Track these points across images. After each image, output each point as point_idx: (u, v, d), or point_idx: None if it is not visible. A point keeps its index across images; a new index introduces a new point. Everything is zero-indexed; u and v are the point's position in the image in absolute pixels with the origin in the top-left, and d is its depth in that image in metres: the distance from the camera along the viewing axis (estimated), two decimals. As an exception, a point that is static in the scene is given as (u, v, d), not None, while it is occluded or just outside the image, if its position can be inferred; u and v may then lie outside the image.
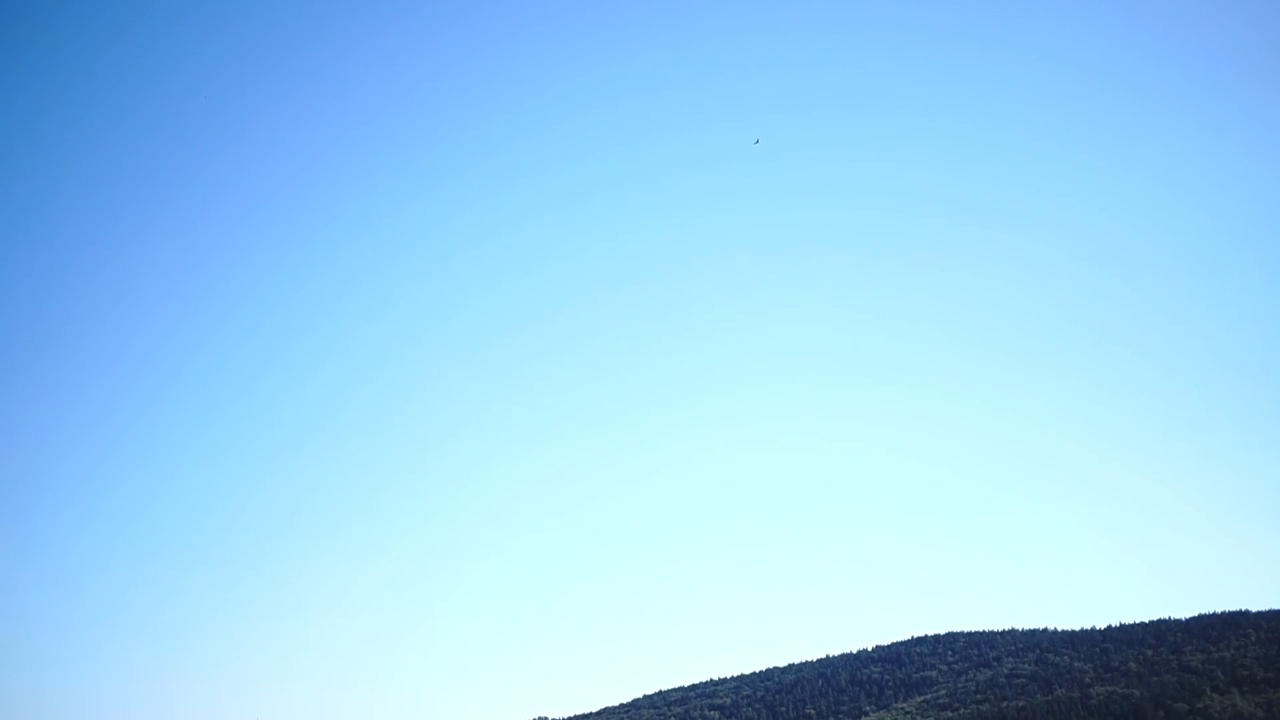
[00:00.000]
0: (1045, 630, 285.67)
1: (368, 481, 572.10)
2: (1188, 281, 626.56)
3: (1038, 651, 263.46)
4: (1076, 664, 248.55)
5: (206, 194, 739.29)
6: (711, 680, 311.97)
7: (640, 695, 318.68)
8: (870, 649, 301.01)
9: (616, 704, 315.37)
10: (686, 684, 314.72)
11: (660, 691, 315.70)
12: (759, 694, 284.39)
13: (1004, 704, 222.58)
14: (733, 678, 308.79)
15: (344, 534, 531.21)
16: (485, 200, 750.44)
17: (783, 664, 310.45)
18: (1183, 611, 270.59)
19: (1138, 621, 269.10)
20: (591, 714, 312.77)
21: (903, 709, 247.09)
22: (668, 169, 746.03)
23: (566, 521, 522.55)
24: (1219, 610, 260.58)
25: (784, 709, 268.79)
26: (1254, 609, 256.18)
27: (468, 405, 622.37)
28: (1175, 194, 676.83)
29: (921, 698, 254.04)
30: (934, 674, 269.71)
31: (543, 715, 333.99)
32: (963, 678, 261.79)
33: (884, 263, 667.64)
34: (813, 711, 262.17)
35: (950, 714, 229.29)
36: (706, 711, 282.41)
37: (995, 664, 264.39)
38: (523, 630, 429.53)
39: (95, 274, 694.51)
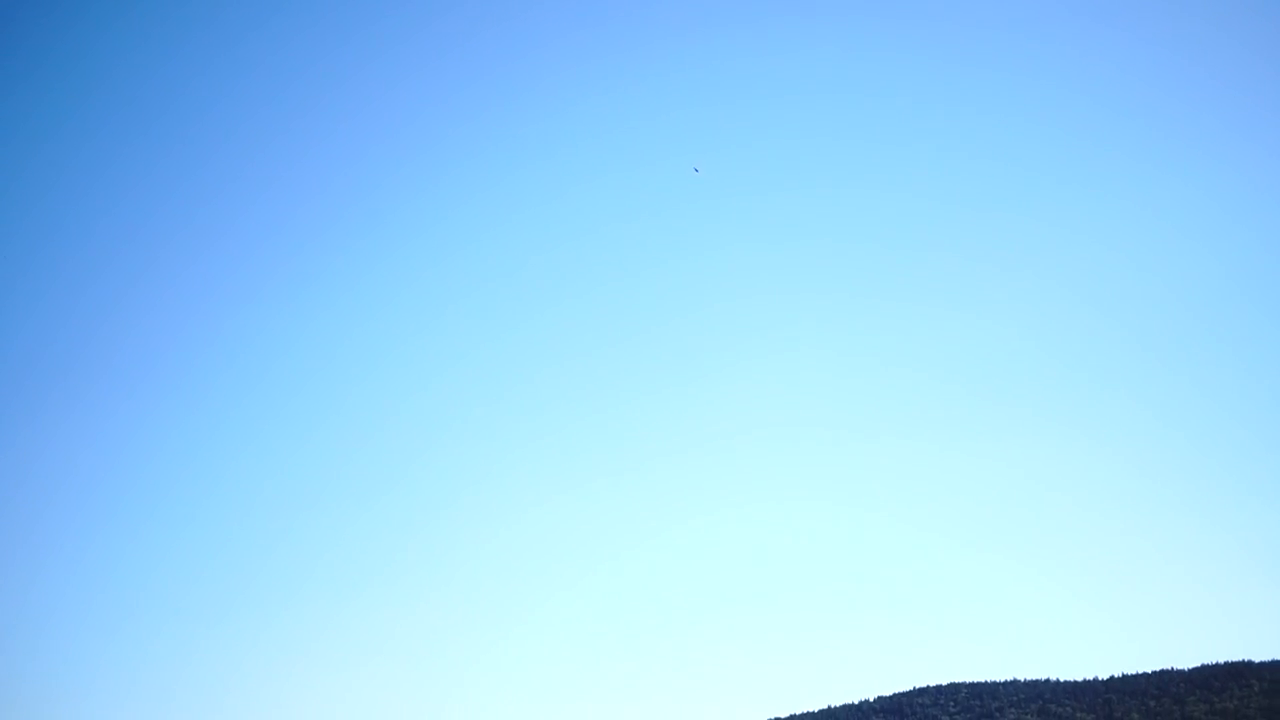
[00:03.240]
0: (1047, 681, 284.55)
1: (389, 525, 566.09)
2: (1189, 327, 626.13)
3: (1040, 702, 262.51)
4: (1079, 715, 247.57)
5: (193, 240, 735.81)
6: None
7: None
8: (872, 699, 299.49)
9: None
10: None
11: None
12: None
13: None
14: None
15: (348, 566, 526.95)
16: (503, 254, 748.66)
17: (784, 714, 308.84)
18: (1185, 662, 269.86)
19: (1140, 672, 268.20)
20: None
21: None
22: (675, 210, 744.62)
23: (564, 573, 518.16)
24: (1222, 661, 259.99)
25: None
26: (1257, 659, 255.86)
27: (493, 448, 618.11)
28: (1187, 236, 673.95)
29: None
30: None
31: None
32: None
33: (894, 302, 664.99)
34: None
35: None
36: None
37: (998, 715, 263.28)
38: (519, 680, 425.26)
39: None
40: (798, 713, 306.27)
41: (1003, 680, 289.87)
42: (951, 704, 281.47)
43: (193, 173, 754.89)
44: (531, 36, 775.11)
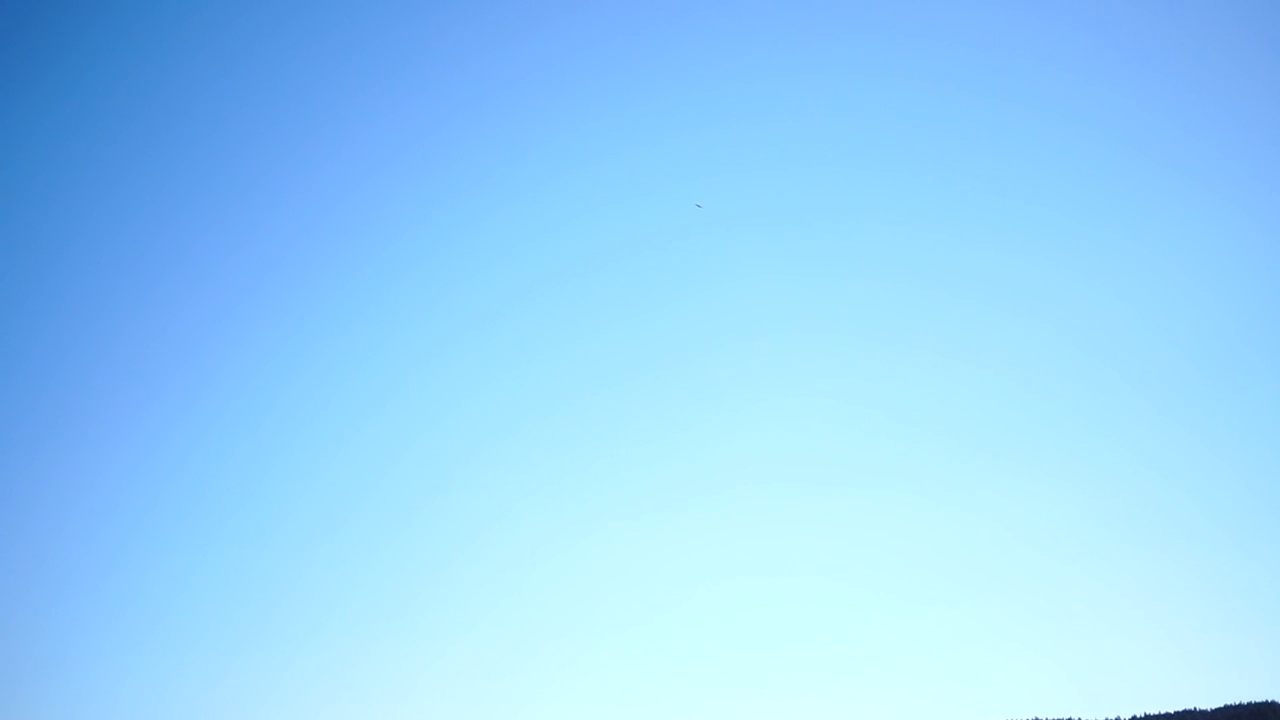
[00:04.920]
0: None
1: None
2: (1205, 365, 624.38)
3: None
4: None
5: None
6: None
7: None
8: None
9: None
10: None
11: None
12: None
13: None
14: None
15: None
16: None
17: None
18: (1208, 701, 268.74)
19: (1163, 712, 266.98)
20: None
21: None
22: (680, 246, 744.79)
23: (581, 618, 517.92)
24: (1246, 701, 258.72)
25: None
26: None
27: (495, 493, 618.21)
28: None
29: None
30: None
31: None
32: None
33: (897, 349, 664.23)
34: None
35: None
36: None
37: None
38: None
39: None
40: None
41: (1025, 719, 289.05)
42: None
43: (201, 182, 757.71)
44: (540, 56, 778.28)
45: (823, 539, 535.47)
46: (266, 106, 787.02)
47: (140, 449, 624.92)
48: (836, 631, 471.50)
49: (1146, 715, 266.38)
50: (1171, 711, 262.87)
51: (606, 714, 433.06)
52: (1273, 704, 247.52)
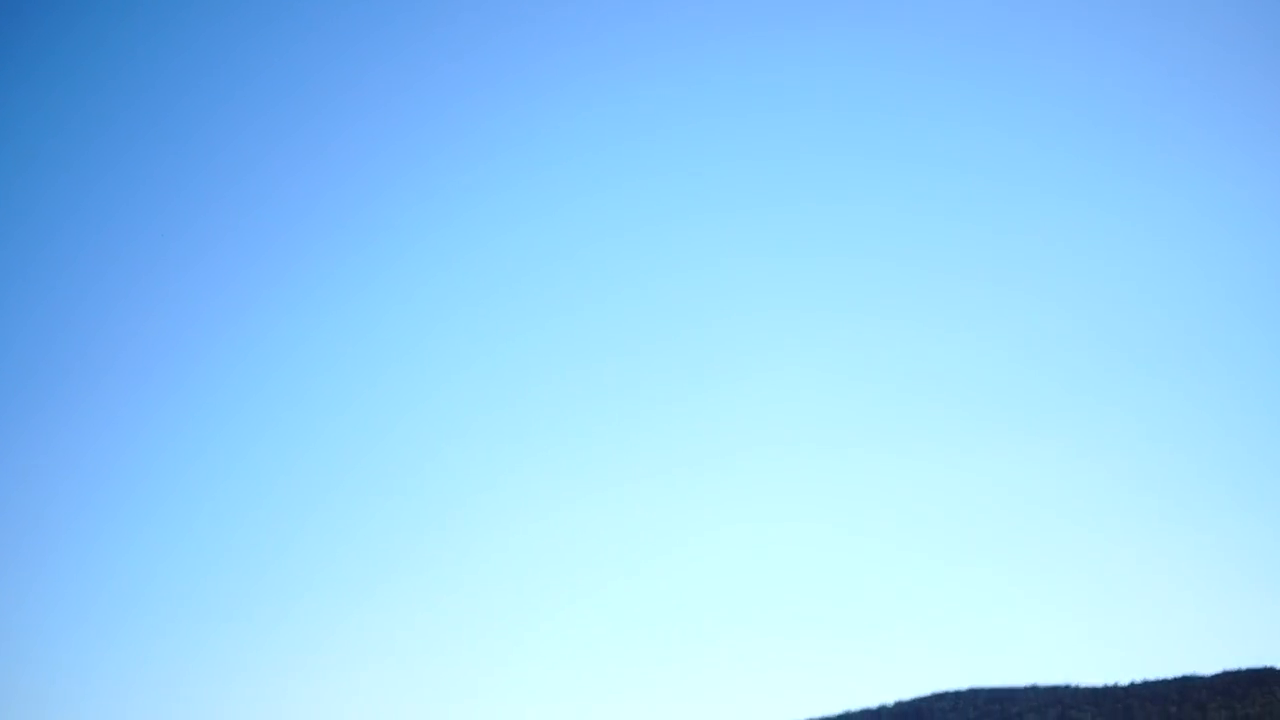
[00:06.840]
0: (1067, 687, 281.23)
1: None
2: (1195, 328, 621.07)
3: (1060, 708, 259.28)
4: None
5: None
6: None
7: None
8: (890, 704, 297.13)
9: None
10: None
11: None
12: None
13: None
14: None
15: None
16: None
17: (800, 718, 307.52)
18: (1208, 668, 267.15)
19: (1161, 678, 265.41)
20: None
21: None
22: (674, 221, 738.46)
23: (575, 578, 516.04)
24: (1244, 667, 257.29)
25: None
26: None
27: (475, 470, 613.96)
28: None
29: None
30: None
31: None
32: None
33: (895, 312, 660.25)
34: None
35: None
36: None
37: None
38: (528, 684, 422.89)
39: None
40: (815, 717, 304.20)
41: (1022, 685, 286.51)
42: (971, 709, 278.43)
43: (195, 174, 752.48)
44: (536, 42, 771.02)
45: (818, 505, 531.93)
46: (255, 100, 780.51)
47: (122, 438, 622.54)
48: (827, 596, 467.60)
49: (1145, 681, 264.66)
50: (1170, 678, 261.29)
51: (593, 680, 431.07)
52: (1273, 670, 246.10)
